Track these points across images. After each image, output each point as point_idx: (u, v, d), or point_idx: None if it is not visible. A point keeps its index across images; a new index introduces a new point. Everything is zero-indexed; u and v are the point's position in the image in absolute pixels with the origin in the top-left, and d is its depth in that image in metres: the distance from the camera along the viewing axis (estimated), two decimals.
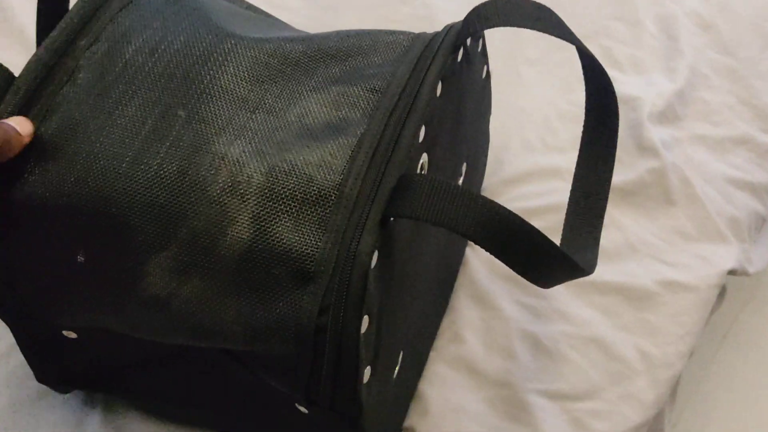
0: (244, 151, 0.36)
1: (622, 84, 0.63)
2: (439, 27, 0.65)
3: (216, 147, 0.36)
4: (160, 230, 0.35)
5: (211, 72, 0.38)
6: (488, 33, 0.51)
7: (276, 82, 0.39)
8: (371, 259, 0.33)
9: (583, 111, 0.44)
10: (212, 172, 0.35)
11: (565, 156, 0.59)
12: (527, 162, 0.59)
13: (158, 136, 0.36)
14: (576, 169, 0.43)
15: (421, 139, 0.37)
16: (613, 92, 0.42)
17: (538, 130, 0.61)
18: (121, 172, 0.35)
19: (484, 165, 0.56)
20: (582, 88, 0.45)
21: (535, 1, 0.40)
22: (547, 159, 0.59)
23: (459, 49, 0.40)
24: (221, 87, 0.38)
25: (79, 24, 0.40)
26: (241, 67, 0.39)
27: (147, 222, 0.35)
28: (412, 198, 0.34)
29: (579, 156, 0.43)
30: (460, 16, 0.67)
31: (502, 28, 0.61)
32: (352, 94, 0.38)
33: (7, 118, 0.37)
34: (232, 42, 0.40)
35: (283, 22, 0.47)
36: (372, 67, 0.40)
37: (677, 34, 0.66)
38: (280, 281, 0.34)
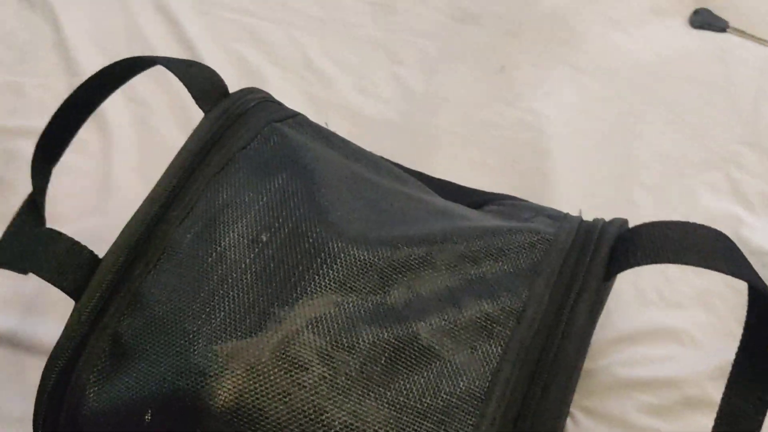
0: None
1: (752, 229, 0.56)
2: (544, 140, 0.59)
3: None
4: None
5: (317, 277, 0.33)
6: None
7: (389, 293, 0.33)
8: None
9: None
10: None
11: (684, 314, 0.53)
12: (640, 318, 0.53)
13: None
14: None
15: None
16: None
17: (654, 280, 0.54)
18: None
19: None
20: None
21: (713, 230, 0.33)
22: (664, 316, 0.53)
23: (611, 279, 0.34)
24: (325, 294, 0.33)
25: (171, 193, 0.35)
26: (350, 274, 0.33)
27: None
28: None
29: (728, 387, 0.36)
30: (567, 128, 0.61)
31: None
32: (483, 316, 0.32)
33: (90, 309, 0.32)
34: (341, 244, 0.34)
35: (395, 186, 0.41)
36: (504, 278, 0.34)
37: None
38: None
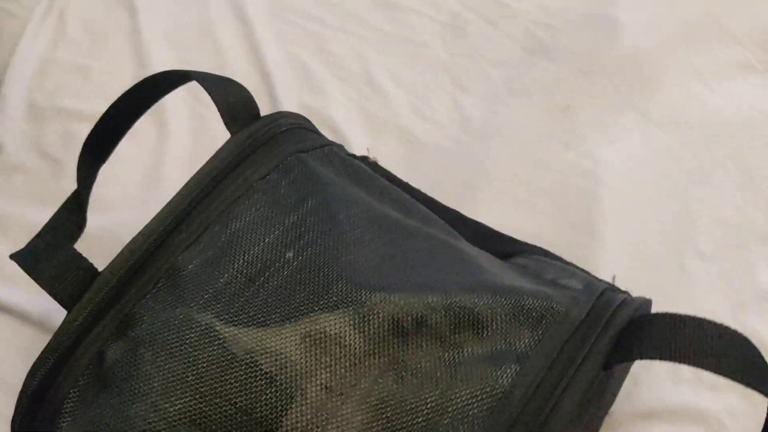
0: None
1: None
2: (597, 189, 0.55)
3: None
4: None
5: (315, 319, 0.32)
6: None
7: (378, 355, 0.32)
8: None
9: None
10: None
11: (718, 397, 0.49)
12: (670, 395, 0.49)
13: None
14: None
15: None
16: None
17: None
18: None
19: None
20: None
21: (734, 333, 0.30)
22: (696, 397, 0.49)
23: (612, 368, 0.32)
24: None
25: (180, 215, 0.34)
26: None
27: None
28: None
29: None
30: (625, 179, 0.57)
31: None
32: (468, 395, 0.30)
33: (79, 322, 0.32)
34: (347, 287, 0.33)
35: (420, 228, 0.39)
36: (496, 353, 0.32)
37: None
38: None
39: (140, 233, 0.34)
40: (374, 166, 0.51)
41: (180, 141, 0.62)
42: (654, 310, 0.51)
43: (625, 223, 0.56)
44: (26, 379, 0.33)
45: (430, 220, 0.42)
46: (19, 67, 0.65)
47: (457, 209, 0.50)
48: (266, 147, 0.38)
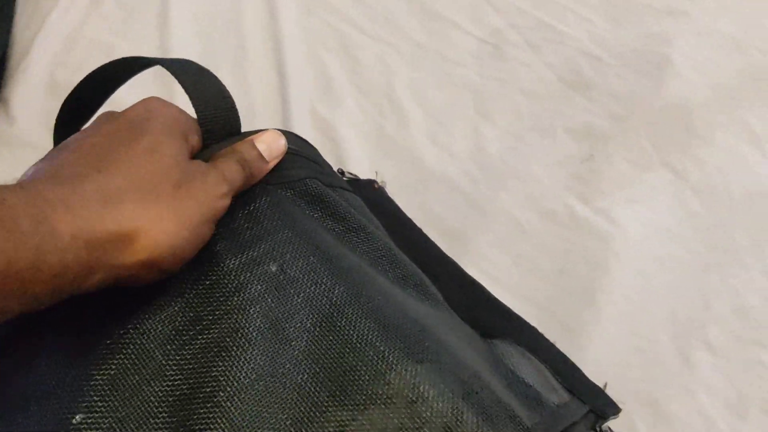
0: None
1: None
2: (606, 255, 0.48)
3: None
4: None
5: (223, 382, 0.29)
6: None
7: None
8: None
9: None
10: None
11: None
12: None
13: None
14: None
15: None
16: None
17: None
18: None
19: None
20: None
21: None
22: None
23: None
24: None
25: None
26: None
27: None
28: None
29: None
30: (640, 248, 0.51)
31: None
32: None
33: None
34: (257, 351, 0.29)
35: (385, 286, 0.35)
36: None
37: None
38: None
39: None
40: (380, 191, 0.47)
41: None
42: (649, 408, 0.47)
43: (629, 300, 0.50)
44: None
45: (406, 276, 0.37)
46: (45, 41, 0.64)
47: (453, 250, 0.45)
48: None
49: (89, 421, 0.27)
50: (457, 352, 0.32)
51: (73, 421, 0.27)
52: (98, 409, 0.27)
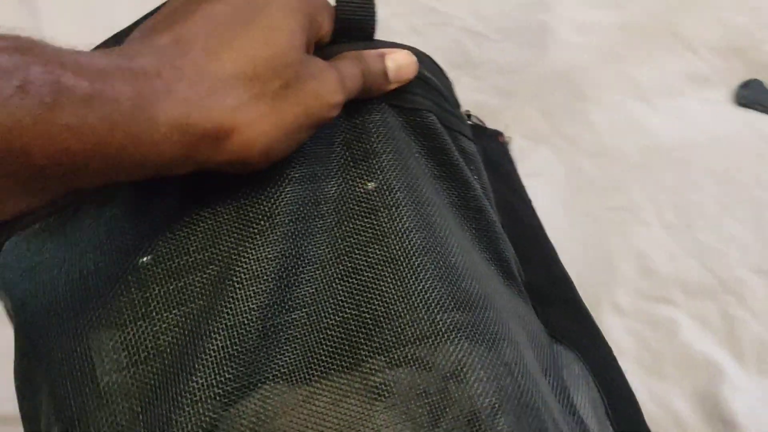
0: None
1: (733, 389, 0.45)
2: None
3: None
4: None
5: None
6: None
7: None
8: None
9: None
10: None
11: None
12: None
13: None
14: None
15: None
16: None
17: None
18: None
19: None
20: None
21: None
22: None
23: None
24: None
25: None
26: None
27: None
28: None
29: None
30: (543, 220, 0.51)
31: None
32: None
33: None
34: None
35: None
36: None
37: None
38: None
39: None
40: (503, 146, 0.46)
41: None
42: None
43: None
44: None
45: (498, 260, 0.34)
46: None
47: None
48: None
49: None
50: (521, 351, 0.30)
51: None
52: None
